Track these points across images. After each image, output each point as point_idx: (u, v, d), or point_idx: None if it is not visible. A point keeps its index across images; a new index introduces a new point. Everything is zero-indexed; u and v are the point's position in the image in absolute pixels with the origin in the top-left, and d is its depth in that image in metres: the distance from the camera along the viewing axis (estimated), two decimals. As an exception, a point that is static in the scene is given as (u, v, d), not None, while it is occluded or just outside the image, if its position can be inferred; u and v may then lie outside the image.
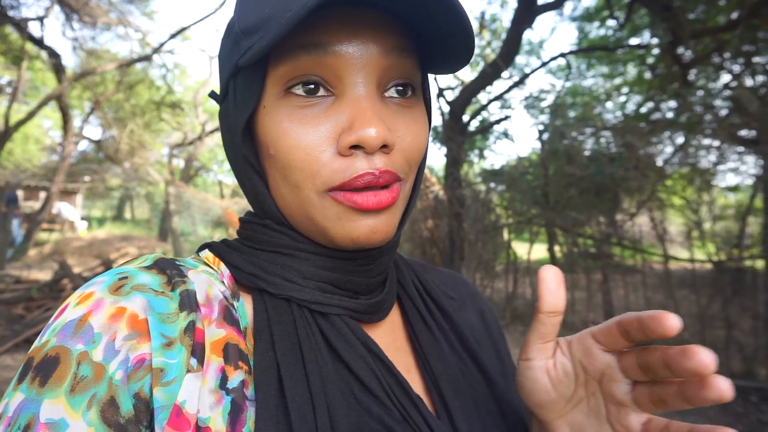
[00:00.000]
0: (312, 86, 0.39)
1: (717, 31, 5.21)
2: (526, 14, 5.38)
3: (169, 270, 0.40)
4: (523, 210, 6.26)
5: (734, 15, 5.48)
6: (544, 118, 9.01)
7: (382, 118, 0.39)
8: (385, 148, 0.39)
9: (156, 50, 8.50)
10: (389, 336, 0.48)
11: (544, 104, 9.22)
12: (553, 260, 5.56)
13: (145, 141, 11.76)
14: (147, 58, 8.59)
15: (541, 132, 6.24)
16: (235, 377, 0.37)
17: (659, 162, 5.39)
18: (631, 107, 8.81)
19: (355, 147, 0.38)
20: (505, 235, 6.25)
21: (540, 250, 6.43)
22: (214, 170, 19.16)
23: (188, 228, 10.76)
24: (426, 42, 0.42)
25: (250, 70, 0.40)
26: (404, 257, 0.57)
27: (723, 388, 0.30)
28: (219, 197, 13.04)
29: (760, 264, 4.11)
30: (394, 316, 0.50)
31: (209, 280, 0.41)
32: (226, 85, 0.44)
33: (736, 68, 6.27)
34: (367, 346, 0.42)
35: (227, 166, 20.88)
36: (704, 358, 0.30)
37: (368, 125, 0.37)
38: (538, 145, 6.25)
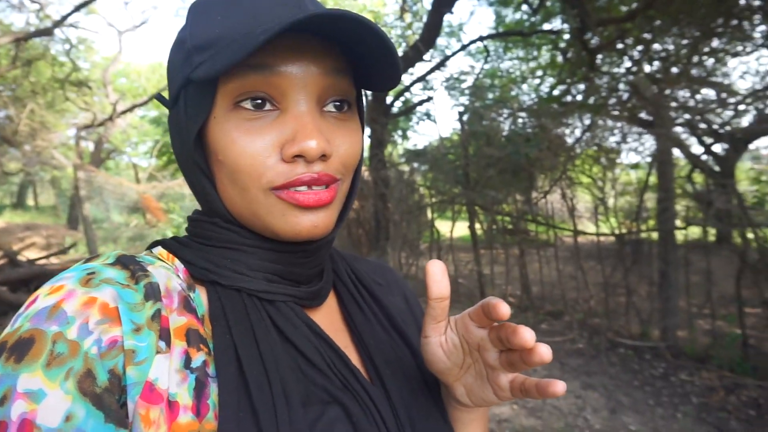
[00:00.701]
0: (259, 101, 0.44)
1: (619, 21, 5.57)
2: (445, -1, 5.50)
3: (132, 266, 0.43)
4: (445, 189, 6.46)
5: (634, 5, 5.90)
6: (465, 99, 9.27)
7: (322, 131, 0.44)
8: (323, 157, 0.44)
9: (58, 23, 7.78)
10: (327, 318, 0.54)
11: (464, 86, 9.47)
12: (474, 237, 5.80)
13: (49, 122, 10.82)
14: (47, 32, 7.85)
15: (461, 113, 6.42)
16: (198, 358, 0.41)
17: (569, 142, 5.73)
18: (544, 89, 9.25)
19: (298, 156, 0.43)
20: (429, 214, 6.44)
21: (462, 228, 6.68)
22: (128, 153, 18.03)
23: (101, 214, 10.13)
24: (360, 64, 0.47)
25: (202, 84, 0.44)
26: (338, 250, 0.64)
27: (543, 353, 0.40)
28: (134, 182, 12.38)
29: (655, 236, 4.52)
30: (331, 302, 0.57)
31: (167, 274, 0.45)
32: (177, 94, 0.47)
33: (636, 55, 6.76)
34: (310, 327, 0.48)
35: (142, 148, 19.72)
36: (526, 335, 0.39)
37: (309, 138, 0.42)
38: (458, 126, 6.44)
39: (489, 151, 5.40)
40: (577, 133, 5.87)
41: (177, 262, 0.49)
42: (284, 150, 0.43)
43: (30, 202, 20.98)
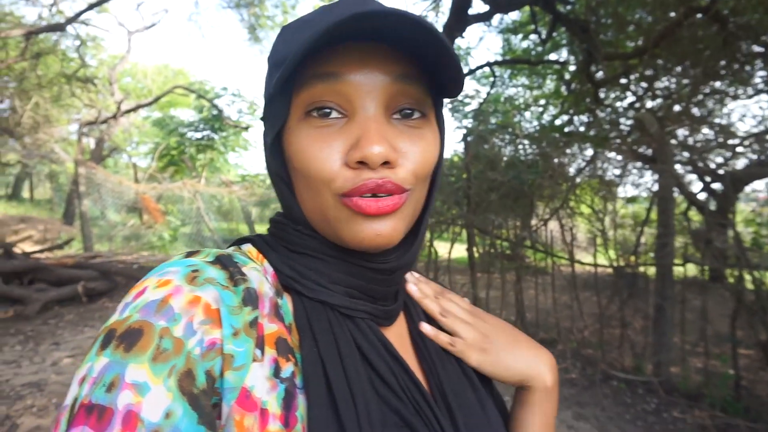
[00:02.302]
0: (327, 110, 0.45)
1: (627, 57, 5.67)
2: (457, 23, 5.58)
3: (231, 267, 0.45)
4: (444, 210, 6.49)
5: (639, 41, 6.02)
6: (468, 122, 9.36)
7: (387, 137, 0.44)
8: (387, 164, 0.44)
9: (70, 20, 7.83)
10: (397, 339, 0.55)
11: (468, 109, 9.57)
12: (471, 260, 5.82)
13: (52, 116, 10.79)
14: (59, 28, 7.87)
15: (465, 135, 6.49)
16: (287, 369, 0.43)
17: (571, 172, 5.79)
18: (547, 118, 9.37)
19: (361, 162, 0.43)
20: (427, 234, 6.46)
21: (460, 250, 6.70)
22: (128, 152, 18.00)
23: (97, 212, 10.08)
24: (430, 70, 0.47)
25: (279, 96, 0.47)
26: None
27: None
28: (133, 181, 12.36)
29: (651, 270, 4.56)
30: (401, 321, 0.57)
31: (260, 277, 0.47)
32: (266, 108, 0.50)
33: (639, 91, 6.88)
34: (386, 347, 0.49)
35: (143, 148, 19.67)
36: None
37: (372, 143, 0.42)
38: (460, 147, 6.50)
39: (492, 175, 5.44)
40: (579, 163, 5.95)
41: (266, 264, 0.51)
42: (349, 156, 0.44)
43: (25, 194, 20.83)
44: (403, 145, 0.46)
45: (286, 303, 0.48)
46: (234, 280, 0.43)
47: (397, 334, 0.55)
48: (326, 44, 0.42)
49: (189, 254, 0.46)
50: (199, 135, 16.46)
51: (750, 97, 6.55)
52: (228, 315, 0.40)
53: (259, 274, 0.47)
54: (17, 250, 6.69)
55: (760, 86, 6.26)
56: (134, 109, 12.23)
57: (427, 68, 0.47)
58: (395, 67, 0.45)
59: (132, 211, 11.06)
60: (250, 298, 0.43)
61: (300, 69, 0.45)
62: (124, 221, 10.86)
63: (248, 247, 0.53)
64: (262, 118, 0.53)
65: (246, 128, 16.29)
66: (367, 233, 0.45)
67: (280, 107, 0.47)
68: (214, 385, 0.38)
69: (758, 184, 6.85)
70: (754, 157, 5.58)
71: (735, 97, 6.53)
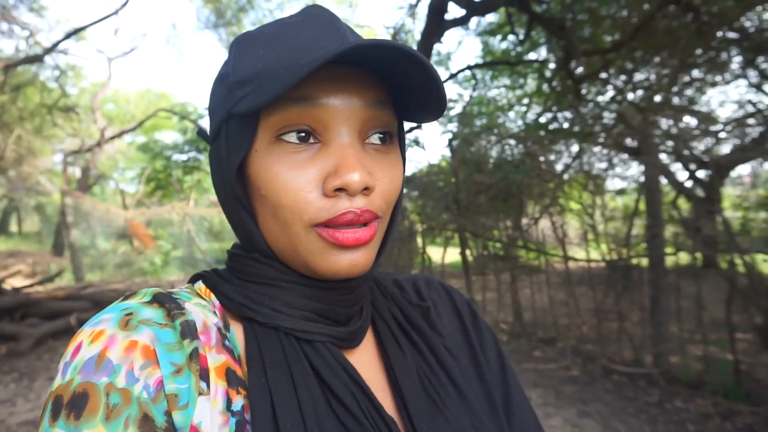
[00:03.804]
0: (302, 134, 0.43)
1: (604, 52, 5.73)
2: (435, 28, 5.62)
3: (168, 304, 0.43)
4: (434, 216, 6.49)
5: (616, 36, 6.08)
6: (453, 126, 9.41)
7: (364, 163, 0.43)
8: (366, 190, 0.43)
9: (48, 50, 7.80)
10: (365, 357, 0.52)
11: (452, 113, 9.61)
12: (465, 263, 5.82)
13: (35, 147, 10.71)
14: (38, 59, 7.84)
15: (450, 140, 6.51)
16: (237, 401, 0.41)
17: (558, 169, 5.82)
18: (531, 117, 9.41)
19: (339, 189, 0.42)
20: (419, 241, 6.45)
21: (453, 254, 6.69)
22: (115, 179, 17.91)
23: (87, 241, 10.00)
24: (402, 94, 0.47)
25: (244, 117, 0.44)
26: (378, 273, 0.61)
27: None
28: (121, 208, 12.25)
29: (644, 261, 4.57)
30: (369, 338, 0.54)
31: (204, 312, 0.46)
32: (218, 128, 0.47)
33: (620, 84, 6.94)
34: (347, 371, 0.46)
35: (129, 174, 19.59)
36: None
37: (352, 171, 0.41)
38: (446, 152, 6.51)
39: (480, 178, 5.46)
40: (565, 159, 5.98)
41: (213, 297, 0.49)
42: (326, 183, 0.43)
43: (13, 228, 20.62)
44: (376, 171, 0.46)
45: (234, 335, 0.46)
46: (171, 316, 0.42)
47: (363, 353, 0.52)
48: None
49: (126, 297, 0.44)
50: (184, 157, 16.43)
51: (728, 83, 6.63)
52: (165, 353, 0.39)
53: (202, 309, 0.46)
54: (7, 285, 6.61)
55: (738, 72, 6.34)
56: (118, 135, 12.18)
57: (399, 91, 0.46)
58: (370, 93, 0.44)
59: (122, 238, 10.99)
60: (189, 330, 0.41)
61: None
62: (115, 249, 10.79)
63: (199, 284, 0.51)
64: (206, 134, 0.50)
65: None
66: (342, 264, 0.44)
67: (247, 129, 0.44)
68: (174, 427, 0.37)
69: (742, 169, 6.93)
70: (737, 141, 5.62)
71: (713, 84, 6.60)
